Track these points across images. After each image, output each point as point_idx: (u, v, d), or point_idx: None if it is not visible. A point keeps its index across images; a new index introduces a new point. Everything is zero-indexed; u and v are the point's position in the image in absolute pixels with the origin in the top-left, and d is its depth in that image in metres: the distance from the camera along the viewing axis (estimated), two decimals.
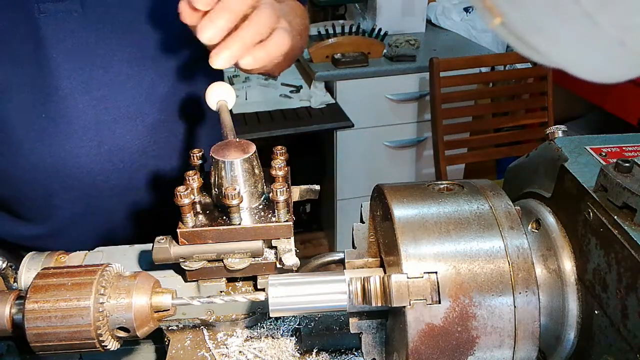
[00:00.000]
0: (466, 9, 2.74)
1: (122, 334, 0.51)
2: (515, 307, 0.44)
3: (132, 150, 0.87)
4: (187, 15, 0.62)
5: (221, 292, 0.64)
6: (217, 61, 0.62)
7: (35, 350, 0.50)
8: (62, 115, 0.81)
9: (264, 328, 0.65)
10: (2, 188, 0.87)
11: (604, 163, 0.50)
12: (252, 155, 0.61)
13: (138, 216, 0.92)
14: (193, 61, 0.91)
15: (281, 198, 0.57)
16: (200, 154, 0.67)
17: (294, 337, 0.65)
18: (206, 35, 0.59)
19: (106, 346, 0.50)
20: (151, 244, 0.60)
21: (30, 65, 0.78)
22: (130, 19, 0.81)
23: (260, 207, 0.62)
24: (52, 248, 0.91)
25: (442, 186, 0.52)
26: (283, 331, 0.65)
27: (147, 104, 0.86)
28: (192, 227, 0.58)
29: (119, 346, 0.52)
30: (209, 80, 0.91)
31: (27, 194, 0.86)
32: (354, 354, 0.63)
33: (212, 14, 0.59)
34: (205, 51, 0.87)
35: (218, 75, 0.97)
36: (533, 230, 0.54)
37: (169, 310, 0.53)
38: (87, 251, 0.71)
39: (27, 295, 0.50)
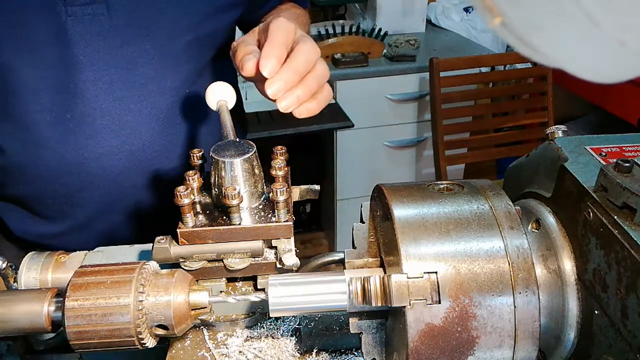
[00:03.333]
0: (466, 9, 2.74)
1: (160, 331, 0.51)
2: (515, 307, 0.44)
3: (153, 150, 0.88)
4: (249, 73, 0.64)
5: (221, 292, 0.64)
6: (285, 102, 0.62)
7: (75, 348, 0.50)
8: (86, 116, 0.83)
9: (264, 328, 0.65)
10: (24, 186, 0.88)
11: (604, 163, 0.50)
12: (252, 155, 0.61)
13: (150, 214, 0.94)
14: (213, 63, 0.93)
15: (281, 198, 0.57)
16: (200, 154, 0.67)
17: (294, 337, 0.65)
18: (274, 89, 0.61)
19: (145, 344, 0.51)
20: (151, 244, 0.60)
21: (57, 67, 0.80)
22: (154, 22, 0.83)
23: (260, 207, 0.62)
24: (68, 246, 0.93)
25: (442, 186, 0.52)
26: (283, 331, 0.65)
27: (168, 104, 0.88)
28: (192, 227, 0.58)
29: (155, 344, 0.52)
30: (225, 80, 0.94)
31: (48, 192, 0.88)
32: (354, 354, 0.63)
33: (282, 75, 0.61)
34: (224, 53, 0.89)
35: (234, 74, 1.00)
36: (533, 230, 0.54)
37: (205, 307, 0.53)
38: (87, 251, 0.71)
39: (67, 294, 0.50)
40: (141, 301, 0.50)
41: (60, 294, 0.53)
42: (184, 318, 0.51)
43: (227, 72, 0.96)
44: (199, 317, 0.64)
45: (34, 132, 0.82)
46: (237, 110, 1.10)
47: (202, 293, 0.52)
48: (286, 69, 0.61)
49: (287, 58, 0.63)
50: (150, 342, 0.51)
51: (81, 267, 0.53)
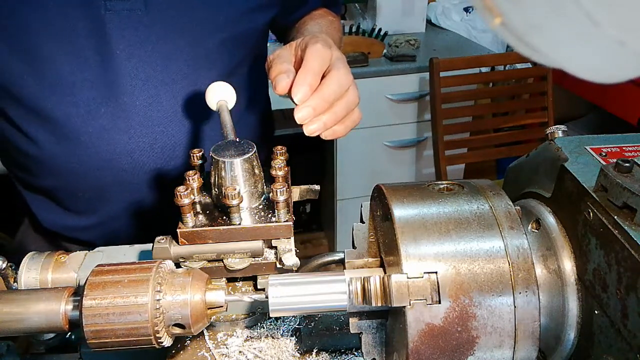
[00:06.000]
0: (466, 9, 2.74)
1: (177, 330, 0.52)
2: (515, 307, 0.44)
3: (183, 147, 0.90)
4: (282, 92, 0.66)
5: None
6: (311, 127, 0.65)
7: (92, 347, 0.50)
8: (121, 111, 0.84)
9: (264, 328, 0.65)
10: (56, 179, 0.90)
11: (604, 163, 0.50)
12: (252, 155, 0.61)
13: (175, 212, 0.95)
14: (245, 63, 0.95)
15: (281, 198, 0.57)
16: (200, 154, 0.67)
17: (294, 337, 0.65)
18: (302, 115, 0.63)
19: (162, 342, 0.51)
20: (151, 244, 0.60)
21: (95, 61, 0.81)
22: (189, 19, 0.84)
23: (260, 207, 0.62)
24: (93, 240, 0.95)
25: (442, 186, 0.52)
26: (283, 331, 0.65)
27: (199, 102, 0.88)
28: (192, 227, 0.58)
29: (171, 343, 0.52)
30: (256, 79, 0.95)
31: (79, 186, 0.90)
32: (354, 354, 0.63)
33: (312, 102, 0.63)
34: (256, 54, 0.94)
35: (263, 76, 1.01)
36: (533, 230, 0.54)
37: (222, 306, 0.53)
38: (86, 251, 0.71)
39: (84, 293, 0.50)
40: (158, 300, 0.50)
41: (76, 292, 0.53)
42: (201, 317, 0.51)
43: (258, 73, 0.97)
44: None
45: (68, 125, 0.84)
46: (266, 110, 1.12)
47: (219, 292, 0.52)
48: (316, 96, 0.63)
49: (321, 81, 0.65)
50: (167, 341, 0.51)
51: (98, 266, 0.53)
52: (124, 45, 0.81)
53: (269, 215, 0.60)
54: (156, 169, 0.89)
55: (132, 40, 0.82)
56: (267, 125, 1.13)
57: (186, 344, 0.63)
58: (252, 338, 0.64)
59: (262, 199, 0.63)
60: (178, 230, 0.58)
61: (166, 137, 0.88)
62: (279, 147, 0.67)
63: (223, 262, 0.61)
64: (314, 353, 0.63)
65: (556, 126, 0.57)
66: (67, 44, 0.79)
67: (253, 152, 0.61)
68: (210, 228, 0.58)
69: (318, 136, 0.66)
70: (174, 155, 0.89)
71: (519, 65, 2.41)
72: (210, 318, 0.53)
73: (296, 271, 0.61)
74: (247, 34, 0.91)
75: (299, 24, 1.02)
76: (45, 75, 0.80)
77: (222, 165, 0.60)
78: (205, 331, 0.65)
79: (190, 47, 0.86)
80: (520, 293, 0.44)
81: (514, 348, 0.44)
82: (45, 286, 0.65)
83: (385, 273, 0.51)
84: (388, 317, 0.51)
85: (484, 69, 2.37)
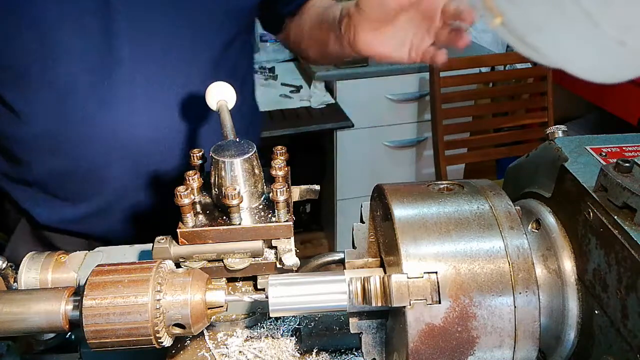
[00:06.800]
0: None
1: (177, 330, 0.52)
2: (515, 307, 0.44)
3: (179, 130, 0.90)
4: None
5: None
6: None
7: (92, 347, 0.50)
8: (123, 83, 0.85)
9: (264, 328, 0.65)
10: (47, 161, 0.89)
11: (604, 163, 0.50)
12: (252, 155, 0.61)
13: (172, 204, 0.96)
14: (244, 56, 0.97)
15: (281, 198, 0.57)
16: (200, 154, 0.67)
17: (294, 337, 0.65)
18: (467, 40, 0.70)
19: (162, 342, 0.51)
20: (151, 244, 0.60)
21: (98, 32, 0.82)
22: (191, 8, 0.86)
23: (260, 207, 0.62)
24: (90, 232, 0.95)
25: (442, 186, 0.52)
26: (283, 331, 0.65)
27: (199, 101, 0.89)
28: (192, 227, 0.58)
29: (171, 343, 0.52)
30: (244, 62, 0.96)
31: (82, 165, 0.89)
32: (354, 354, 0.63)
33: None
34: (246, 31, 0.95)
35: (249, 65, 1.03)
36: (533, 230, 0.54)
37: (222, 306, 0.53)
38: (86, 251, 0.71)
39: (84, 293, 0.50)
40: (159, 300, 0.50)
41: (76, 292, 0.53)
42: (201, 317, 0.51)
43: (246, 54, 1.00)
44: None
45: (71, 96, 0.84)
46: (252, 108, 1.12)
47: (219, 292, 0.52)
48: None
49: None
50: (167, 341, 0.51)
51: (98, 265, 0.53)
52: (128, 17, 0.82)
53: (269, 215, 0.60)
54: (152, 151, 0.89)
55: (135, 14, 0.82)
56: (255, 121, 1.13)
57: (186, 344, 0.63)
58: (252, 338, 0.64)
59: (262, 199, 0.63)
60: (178, 230, 0.58)
61: (162, 116, 0.88)
62: (279, 147, 0.67)
63: (223, 262, 0.61)
64: (314, 353, 0.63)
65: (556, 126, 0.57)
66: (73, 13, 0.80)
67: (253, 152, 0.61)
68: (210, 228, 0.58)
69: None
70: (170, 137, 0.89)
71: (519, 65, 2.41)
72: (210, 318, 0.53)
73: (296, 271, 0.61)
74: (243, 10, 0.93)
75: (307, 6, 1.02)
76: (51, 44, 0.81)
77: (222, 165, 0.60)
78: (205, 331, 0.65)
79: (190, 22, 0.87)
80: (520, 293, 0.44)
81: (514, 348, 0.44)
82: (45, 286, 0.65)
83: (385, 273, 0.51)
84: (388, 317, 0.51)
85: (484, 69, 2.37)
